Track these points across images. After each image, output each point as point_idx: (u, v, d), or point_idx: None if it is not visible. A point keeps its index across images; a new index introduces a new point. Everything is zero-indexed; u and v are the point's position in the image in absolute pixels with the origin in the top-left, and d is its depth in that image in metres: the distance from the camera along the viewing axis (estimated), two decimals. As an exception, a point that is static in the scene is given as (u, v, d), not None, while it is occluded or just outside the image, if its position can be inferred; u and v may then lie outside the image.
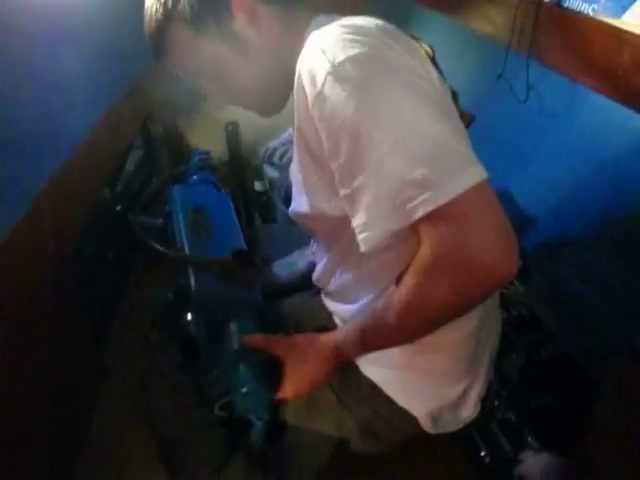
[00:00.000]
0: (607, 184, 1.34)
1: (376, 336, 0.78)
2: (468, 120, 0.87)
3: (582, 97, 1.42)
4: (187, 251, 1.08)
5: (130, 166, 1.87)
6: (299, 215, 0.87)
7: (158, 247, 1.06)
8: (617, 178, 1.32)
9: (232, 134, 1.75)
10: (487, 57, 1.62)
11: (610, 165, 1.33)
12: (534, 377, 1.19)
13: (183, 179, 1.44)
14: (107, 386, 1.47)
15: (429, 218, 0.59)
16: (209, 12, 0.77)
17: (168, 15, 0.78)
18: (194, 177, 1.42)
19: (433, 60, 0.82)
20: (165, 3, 0.78)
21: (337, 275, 0.92)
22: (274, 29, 0.80)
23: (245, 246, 1.12)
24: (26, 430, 1.05)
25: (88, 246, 1.41)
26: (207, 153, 1.68)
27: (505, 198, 1.66)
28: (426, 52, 0.81)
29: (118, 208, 1.67)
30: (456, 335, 0.85)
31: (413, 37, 0.81)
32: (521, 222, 1.62)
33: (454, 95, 0.84)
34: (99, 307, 1.54)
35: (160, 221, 1.23)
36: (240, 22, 0.78)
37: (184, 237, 1.12)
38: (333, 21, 0.70)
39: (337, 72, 0.62)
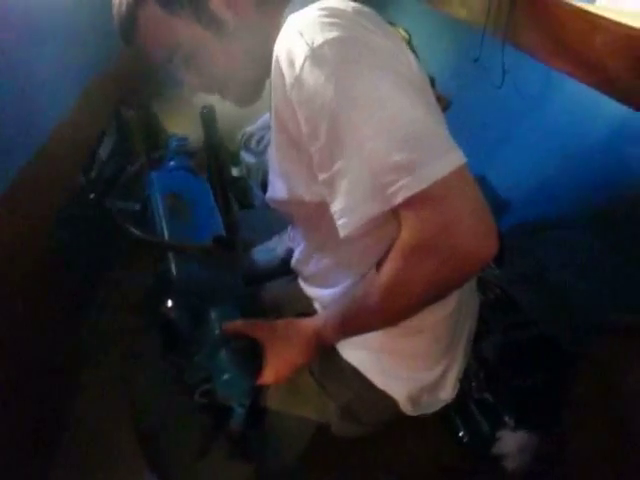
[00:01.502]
0: (583, 167, 1.36)
1: (356, 321, 0.78)
2: (445, 105, 0.87)
3: (557, 81, 1.43)
4: (167, 237, 1.07)
5: (104, 152, 1.83)
6: (276, 201, 0.87)
7: (138, 233, 1.05)
8: (592, 160, 1.34)
9: (207, 118, 1.73)
10: (463, 41, 1.62)
11: (585, 148, 1.35)
12: (511, 358, 1.21)
13: (160, 165, 1.42)
14: (88, 370, 1.46)
15: (409, 203, 0.59)
16: None
17: None
18: (171, 163, 1.41)
19: (409, 45, 0.82)
20: None
21: (315, 260, 0.92)
22: (250, 11, 0.79)
23: (224, 232, 1.12)
24: (6, 415, 1.04)
25: (63, 232, 1.39)
26: (185, 139, 1.66)
27: (482, 182, 1.67)
28: (402, 37, 0.81)
29: (92, 195, 1.65)
30: (435, 317, 0.86)
31: (389, 23, 0.81)
32: (497, 205, 1.64)
33: (431, 80, 0.84)
34: (76, 292, 1.53)
35: (138, 206, 1.21)
36: (216, 2, 0.77)
37: (164, 223, 1.11)
38: (310, 3, 0.69)
39: (315, 55, 0.62)
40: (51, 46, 1.23)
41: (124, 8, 0.79)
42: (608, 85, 1.02)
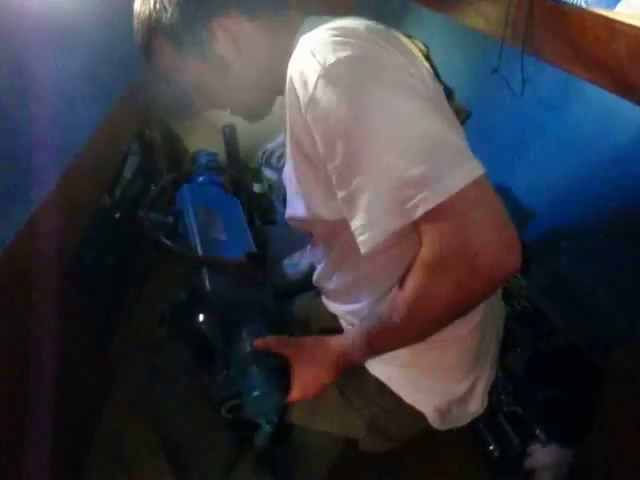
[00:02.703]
0: (605, 175, 1.34)
1: (382, 339, 0.78)
2: (465, 116, 0.87)
3: (578, 89, 1.42)
4: (200, 251, 1.08)
5: (128, 172, 1.87)
6: (295, 220, 0.87)
7: (174, 246, 1.06)
8: (615, 169, 1.31)
9: (229, 137, 1.75)
10: (482, 52, 1.62)
11: (608, 156, 1.33)
12: (540, 370, 1.19)
13: (189, 179, 1.44)
14: (114, 387, 1.48)
15: (428, 216, 0.59)
16: (189, 31, 0.78)
17: (152, 29, 0.79)
18: (200, 178, 1.42)
19: (427, 57, 0.82)
20: (149, 17, 0.79)
21: (336, 277, 0.92)
22: (260, 44, 0.80)
23: (255, 248, 1.12)
24: (32, 432, 1.05)
25: (89, 252, 1.41)
26: (214, 154, 1.68)
27: (503, 192, 1.66)
28: (420, 50, 0.81)
29: (117, 215, 1.68)
30: (461, 331, 0.85)
31: (406, 35, 0.81)
32: (520, 215, 1.62)
33: (450, 92, 0.84)
34: (102, 311, 1.55)
35: (171, 219, 1.23)
36: (221, 42, 0.78)
37: (197, 237, 1.12)
38: (323, 23, 0.70)
39: (328, 74, 0.62)
40: (76, 67, 1.27)
41: (140, 35, 0.82)
42: (630, 90, 1.00)
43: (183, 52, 0.79)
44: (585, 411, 0.92)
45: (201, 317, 0.96)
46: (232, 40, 0.78)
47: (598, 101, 1.32)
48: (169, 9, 0.77)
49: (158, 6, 0.77)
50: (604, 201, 1.36)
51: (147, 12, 0.78)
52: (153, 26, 0.79)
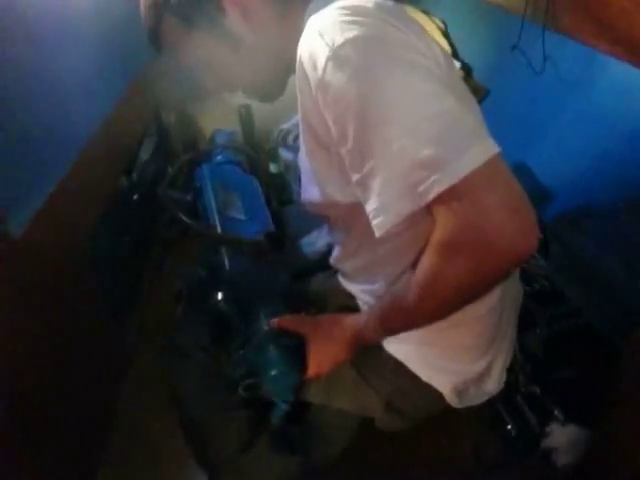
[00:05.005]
0: (627, 154, 1.32)
1: (395, 319, 0.78)
2: (483, 94, 0.85)
3: (601, 65, 1.39)
4: (219, 230, 1.08)
5: (144, 154, 1.88)
6: (311, 204, 0.87)
7: (194, 224, 1.07)
8: (637, 147, 1.29)
9: (245, 117, 1.75)
10: (501, 28, 1.58)
11: (630, 135, 1.30)
12: (558, 350, 1.19)
13: (208, 158, 1.44)
14: (134, 364, 1.50)
15: (442, 199, 0.58)
16: (199, 7, 0.77)
17: (160, 9, 0.78)
18: (219, 157, 1.42)
19: (446, 34, 0.81)
20: None
21: (353, 259, 0.92)
22: (269, 20, 0.79)
23: (273, 228, 1.13)
24: (53, 416, 1.08)
25: (106, 233, 1.42)
26: (233, 133, 1.66)
27: (523, 171, 1.64)
28: (438, 27, 0.80)
29: (135, 196, 1.69)
30: (478, 309, 0.84)
31: (424, 12, 0.80)
32: (539, 195, 1.60)
33: (469, 70, 0.83)
34: (119, 291, 1.57)
35: (189, 197, 1.23)
36: (232, 17, 0.77)
37: (215, 216, 1.12)
38: (332, 2, 0.68)
39: (337, 56, 0.61)
40: (90, 52, 1.27)
41: (148, 18, 0.81)
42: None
43: (194, 31, 0.78)
44: (604, 391, 0.91)
45: (219, 295, 0.97)
46: (243, 13, 0.77)
47: (621, 78, 1.29)
48: None
49: None
50: (625, 180, 1.33)
51: None
52: (161, 6, 0.78)
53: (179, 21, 0.78)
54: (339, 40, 0.61)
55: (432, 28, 0.78)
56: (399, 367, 0.89)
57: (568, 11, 1.17)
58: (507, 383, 0.96)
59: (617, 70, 1.15)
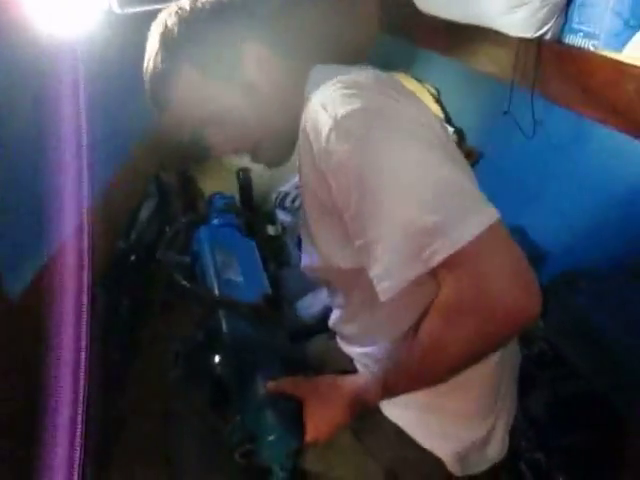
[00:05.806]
0: (619, 215, 1.34)
1: (398, 382, 0.77)
2: (475, 157, 0.88)
3: (589, 129, 1.43)
4: (216, 292, 1.08)
5: (144, 215, 1.89)
6: (312, 269, 0.87)
7: (193, 287, 1.07)
8: (629, 208, 1.31)
9: (244, 180, 1.77)
10: (492, 94, 1.64)
11: (621, 195, 1.33)
12: (561, 414, 1.16)
13: (204, 222, 1.45)
14: (123, 433, 1.45)
15: (446, 264, 0.59)
16: (219, 55, 0.78)
17: (177, 60, 0.78)
18: (216, 220, 1.43)
19: (438, 101, 0.84)
20: (167, 46, 0.78)
21: (353, 322, 0.91)
22: (279, 76, 0.82)
23: (270, 290, 1.12)
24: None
25: (104, 296, 1.41)
26: (231, 197, 1.69)
27: (517, 233, 1.65)
28: (431, 93, 0.83)
29: (133, 258, 1.69)
30: (477, 373, 0.83)
31: (417, 79, 0.83)
32: (535, 256, 1.60)
33: (460, 134, 0.85)
34: (114, 354, 1.54)
35: (188, 259, 1.23)
36: (249, 67, 0.79)
37: (213, 278, 1.12)
38: (331, 72, 0.72)
39: (339, 127, 0.64)
40: (92, 117, 1.29)
41: (158, 73, 0.80)
42: (641, 131, 1.01)
43: (210, 81, 0.79)
44: (608, 457, 0.89)
45: (217, 358, 0.96)
46: (259, 64, 0.79)
47: (609, 140, 1.32)
48: (196, 35, 0.77)
49: (183, 33, 0.77)
50: (620, 240, 1.35)
51: (168, 42, 0.78)
52: (174, 53, 0.78)
53: (194, 68, 0.78)
54: (341, 112, 0.64)
55: (425, 95, 0.81)
56: (398, 433, 0.86)
57: (555, 80, 1.21)
58: (510, 449, 0.94)
59: (605, 134, 1.18)
